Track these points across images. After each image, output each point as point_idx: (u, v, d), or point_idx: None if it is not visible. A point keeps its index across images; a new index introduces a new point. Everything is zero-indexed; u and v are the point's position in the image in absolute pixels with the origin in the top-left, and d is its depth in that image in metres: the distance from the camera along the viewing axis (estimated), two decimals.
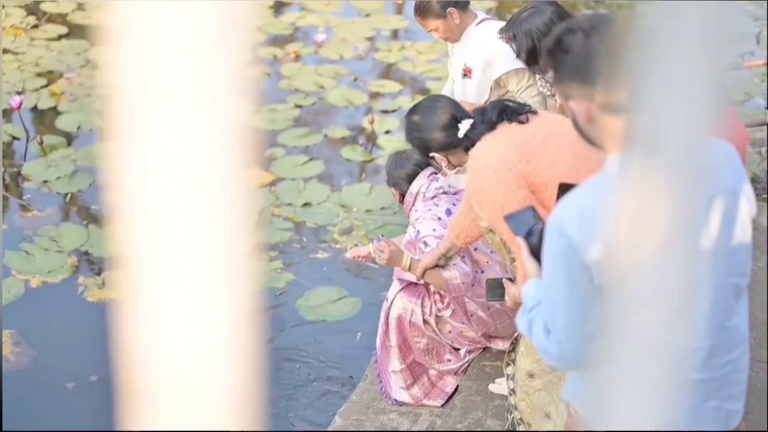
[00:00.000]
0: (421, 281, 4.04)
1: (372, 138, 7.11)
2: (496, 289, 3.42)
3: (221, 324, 0.73)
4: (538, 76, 3.97)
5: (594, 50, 2.11)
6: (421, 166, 4.21)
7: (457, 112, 3.49)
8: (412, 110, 3.64)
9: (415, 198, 4.17)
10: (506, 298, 3.36)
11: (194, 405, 0.74)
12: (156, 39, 0.66)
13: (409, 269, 3.97)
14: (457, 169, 3.59)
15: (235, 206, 0.71)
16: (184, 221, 0.71)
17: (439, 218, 4.04)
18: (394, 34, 9.09)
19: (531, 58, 3.82)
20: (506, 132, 3.20)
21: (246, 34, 0.68)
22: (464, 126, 3.41)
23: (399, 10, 9.68)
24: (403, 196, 4.24)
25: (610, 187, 2.16)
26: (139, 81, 0.68)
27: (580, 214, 2.13)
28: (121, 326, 0.74)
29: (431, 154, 3.55)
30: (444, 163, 3.55)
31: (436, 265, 3.95)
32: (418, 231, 4.02)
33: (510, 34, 3.87)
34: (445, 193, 4.16)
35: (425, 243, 3.98)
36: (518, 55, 3.88)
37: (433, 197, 4.10)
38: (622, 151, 2.16)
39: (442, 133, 3.47)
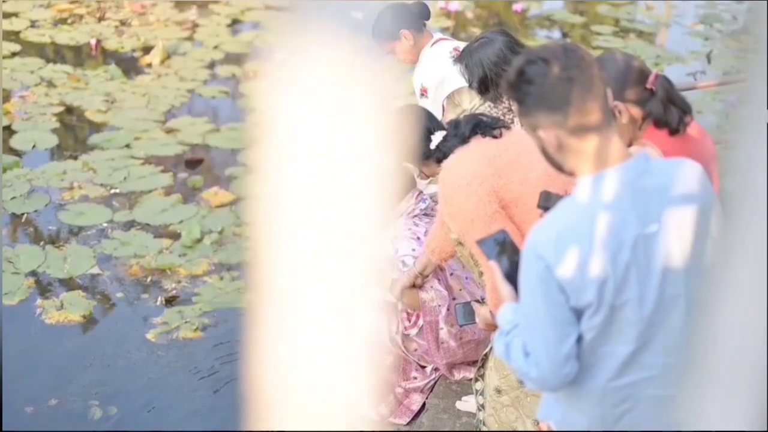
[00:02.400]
0: (399, 302, 4.00)
1: None
2: (467, 313, 3.43)
3: (352, 341, 0.75)
4: (488, 104, 3.98)
5: (557, 77, 2.13)
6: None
7: (431, 123, 3.48)
8: None
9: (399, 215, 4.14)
10: (477, 320, 3.36)
11: (319, 410, 0.77)
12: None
13: (390, 289, 3.94)
14: (430, 179, 3.59)
15: (369, 235, 0.72)
16: (327, 247, 0.74)
17: (419, 238, 4.01)
18: None
19: (483, 87, 3.83)
20: (480, 146, 3.20)
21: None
22: (437, 137, 3.41)
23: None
24: None
25: (583, 209, 2.18)
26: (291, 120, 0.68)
27: (556, 237, 2.16)
28: (256, 338, 0.76)
29: (404, 164, 3.54)
30: (416, 173, 3.54)
31: (413, 286, 3.93)
32: (397, 249, 3.99)
33: (462, 64, 3.88)
34: (426, 215, 4.14)
35: (403, 262, 3.95)
36: (470, 85, 3.89)
37: (414, 216, 4.08)
38: (594, 172, 2.18)
39: (415, 142, 3.46)
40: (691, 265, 2.21)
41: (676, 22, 10.01)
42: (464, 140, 3.25)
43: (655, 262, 2.18)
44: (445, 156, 3.27)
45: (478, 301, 3.40)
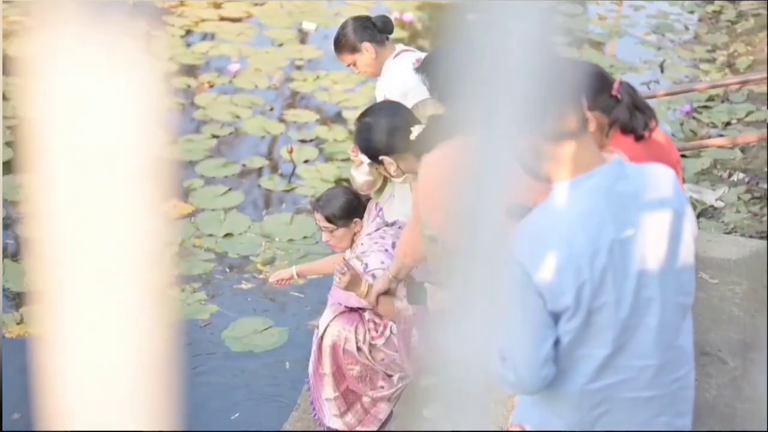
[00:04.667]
0: (376, 308, 3.99)
1: (291, 168, 7.08)
2: (417, 293, 3.42)
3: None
4: None
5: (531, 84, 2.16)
6: (355, 199, 4.14)
7: (410, 116, 3.46)
8: (365, 113, 3.62)
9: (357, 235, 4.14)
10: (429, 302, 3.35)
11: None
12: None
13: (366, 296, 3.90)
14: (405, 176, 3.54)
15: None
16: None
17: (386, 250, 4.00)
18: (309, 64, 9.10)
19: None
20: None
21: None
22: (416, 129, 3.39)
23: (303, 40, 9.70)
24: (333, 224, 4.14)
25: (560, 214, 2.21)
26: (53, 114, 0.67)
27: (531, 243, 2.19)
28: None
29: (380, 158, 3.49)
30: (392, 168, 3.50)
31: (389, 294, 3.92)
32: (366, 264, 3.94)
33: (423, 74, 3.89)
34: (388, 225, 4.13)
35: (374, 276, 3.93)
36: (431, 94, 3.90)
37: (377, 230, 4.08)
38: (570, 178, 2.22)
39: (393, 136, 3.43)
40: (664, 268, 2.26)
41: (628, 33, 10.13)
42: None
43: (631, 265, 2.22)
44: (424, 150, 3.25)
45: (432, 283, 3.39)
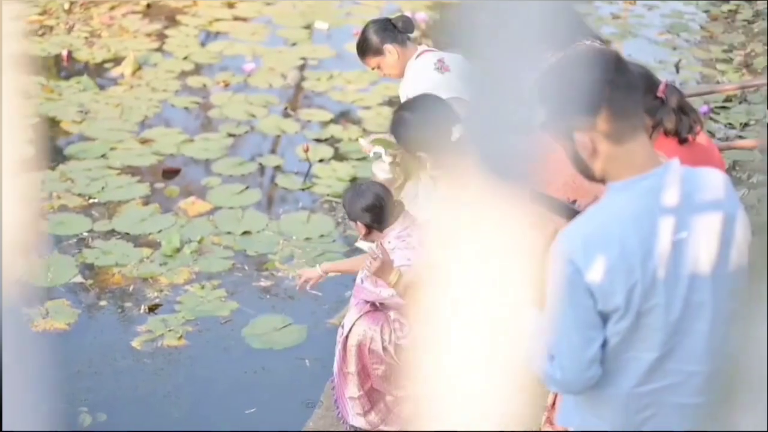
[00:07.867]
0: (403, 299, 3.97)
1: (307, 166, 7.10)
2: None
3: None
4: None
5: (596, 80, 2.16)
6: (380, 197, 4.07)
7: (450, 114, 3.40)
8: (405, 106, 3.55)
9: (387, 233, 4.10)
10: None
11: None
12: None
13: (395, 285, 3.85)
14: (438, 172, 3.45)
15: None
16: None
17: (414, 247, 3.98)
18: (322, 63, 9.13)
19: None
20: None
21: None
22: (458, 129, 3.32)
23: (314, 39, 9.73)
24: (368, 228, 4.11)
25: (613, 214, 2.21)
26: None
27: (585, 242, 2.18)
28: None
29: (418, 153, 3.43)
30: (429, 164, 3.43)
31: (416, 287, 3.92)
32: (392, 261, 3.91)
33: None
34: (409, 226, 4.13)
35: None
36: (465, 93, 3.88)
37: (404, 228, 4.06)
38: (625, 178, 2.22)
39: (432, 133, 3.36)
40: (716, 272, 2.25)
41: (641, 33, 10.12)
42: None
43: (683, 268, 2.21)
44: (465, 151, 3.16)
45: None
